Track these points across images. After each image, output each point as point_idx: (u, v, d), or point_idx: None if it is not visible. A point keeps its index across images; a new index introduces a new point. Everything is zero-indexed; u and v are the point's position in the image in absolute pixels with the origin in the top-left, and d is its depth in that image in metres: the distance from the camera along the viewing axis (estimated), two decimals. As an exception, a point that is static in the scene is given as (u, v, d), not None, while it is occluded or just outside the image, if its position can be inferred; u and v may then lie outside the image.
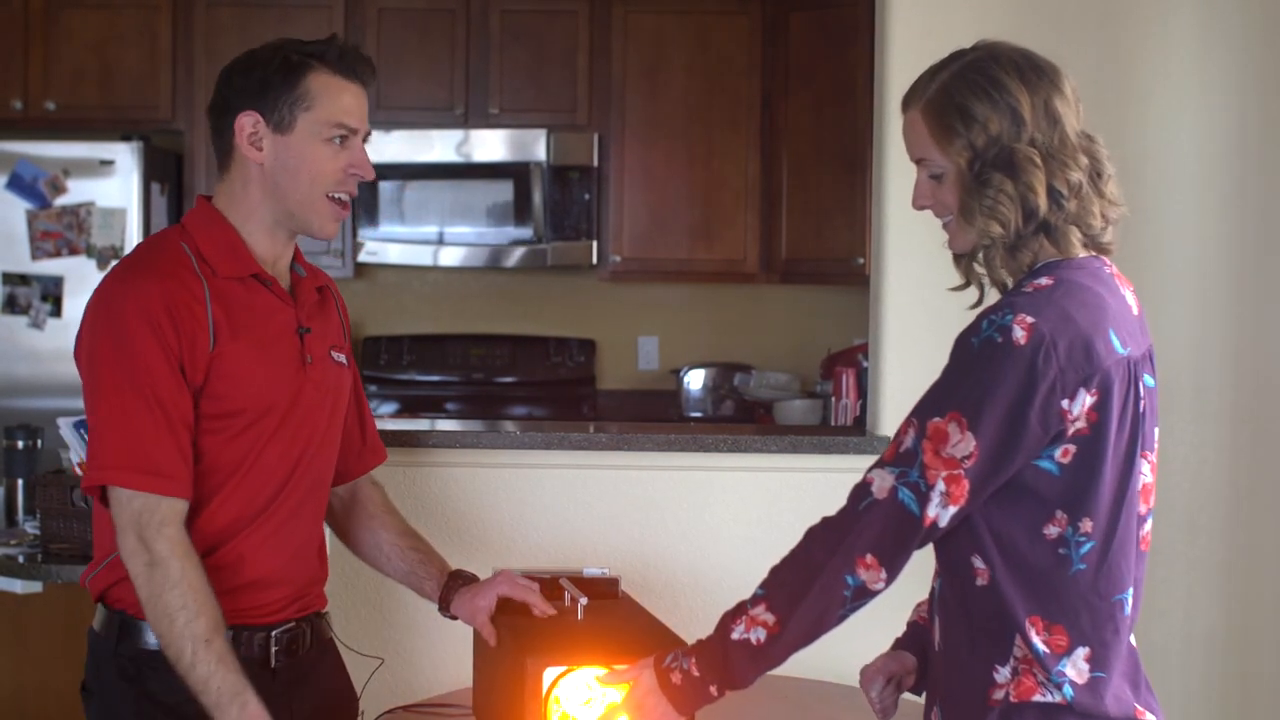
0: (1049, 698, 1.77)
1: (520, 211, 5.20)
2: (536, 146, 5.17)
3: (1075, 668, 1.78)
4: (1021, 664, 1.78)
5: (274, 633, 2.11)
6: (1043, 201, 1.80)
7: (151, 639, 2.02)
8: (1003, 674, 1.78)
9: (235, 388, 2.03)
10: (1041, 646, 1.77)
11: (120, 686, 2.03)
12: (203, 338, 2.00)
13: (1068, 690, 1.77)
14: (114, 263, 5.01)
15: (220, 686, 1.93)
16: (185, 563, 1.96)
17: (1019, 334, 1.73)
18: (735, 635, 1.82)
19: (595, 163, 5.19)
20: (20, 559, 2.94)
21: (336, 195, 2.11)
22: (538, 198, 5.16)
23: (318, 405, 2.15)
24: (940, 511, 1.75)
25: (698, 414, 5.44)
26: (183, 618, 1.94)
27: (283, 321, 2.12)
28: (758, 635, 1.80)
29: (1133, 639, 1.86)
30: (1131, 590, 1.82)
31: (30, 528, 3.14)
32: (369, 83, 2.12)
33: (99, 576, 2.07)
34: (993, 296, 1.90)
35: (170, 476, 1.97)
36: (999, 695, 1.78)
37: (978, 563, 1.80)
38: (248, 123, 2.07)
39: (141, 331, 1.97)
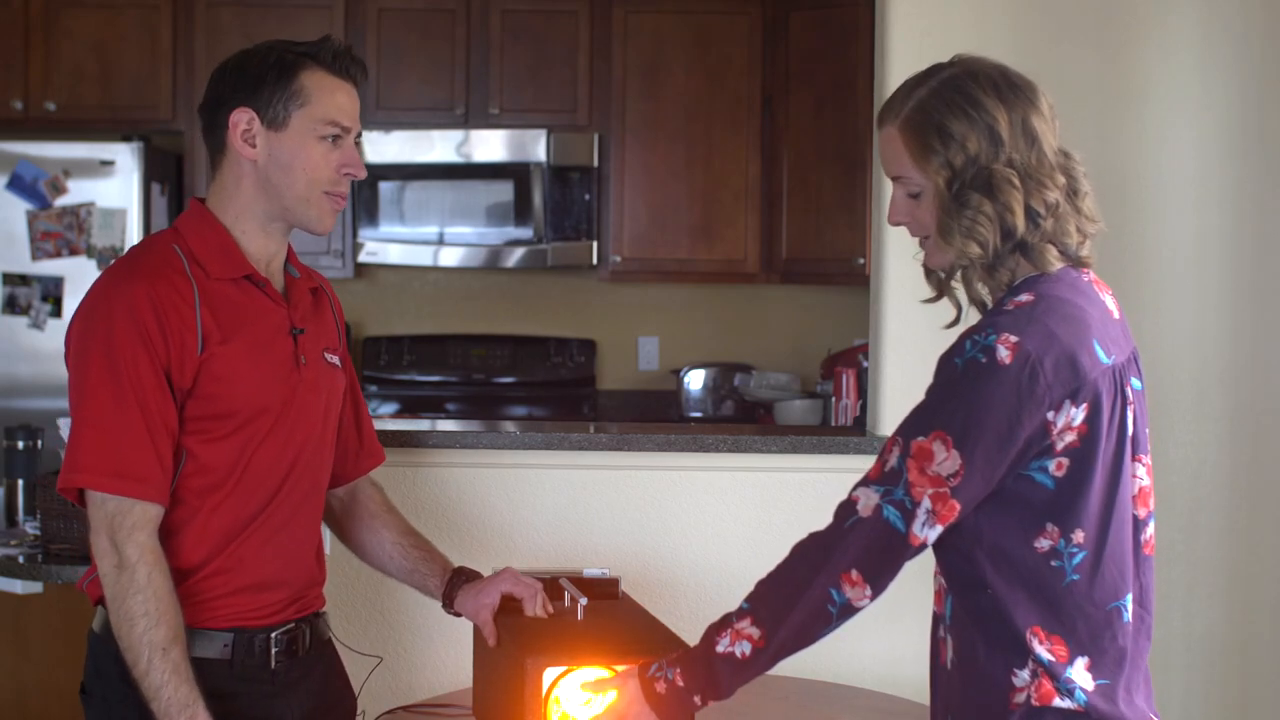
0: (1066, 704, 1.78)
1: (520, 212, 5.21)
2: (536, 147, 5.17)
3: (1080, 676, 1.78)
4: (1039, 667, 1.78)
5: (274, 634, 2.11)
6: (1020, 222, 1.80)
7: None
8: (1022, 677, 1.79)
9: (226, 390, 2.03)
10: (1046, 655, 1.78)
11: (122, 689, 2.02)
12: (191, 341, 2.00)
13: (1080, 696, 1.78)
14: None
15: (171, 697, 1.94)
16: (153, 570, 1.97)
17: (1003, 353, 1.73)
18: (720, 648, 1.83)
19: (595, 163, 5.19)
20: (20, 559, 2.93)
21: (331, 192, 2.10)
22: (538, 198, 5.16)
23: (312, 407, 2.15)
24: (928, 531, 1.77)
25: (698, 414, 5.44)
26: (143, 624, 1.95)
27: (275, 323, 2.11)
28: (743, 649, 1.82)
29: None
30: (1131, 596, 1.82)
31: (30, 528, 3.14)
32: (361, 83, 2.13)
33: (98, 580, 2.07)
34: (972, 314, 1.90)
35: (144, 480, 1.97)
36: (1020, 698, 1.78)
37: (982, 576, 1.80)
38: (242, 119, 2.06)
39: (129, 335, 1.97)
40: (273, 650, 2.10)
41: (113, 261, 2.06)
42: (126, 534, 1.96)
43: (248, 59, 2.09)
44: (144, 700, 1.96)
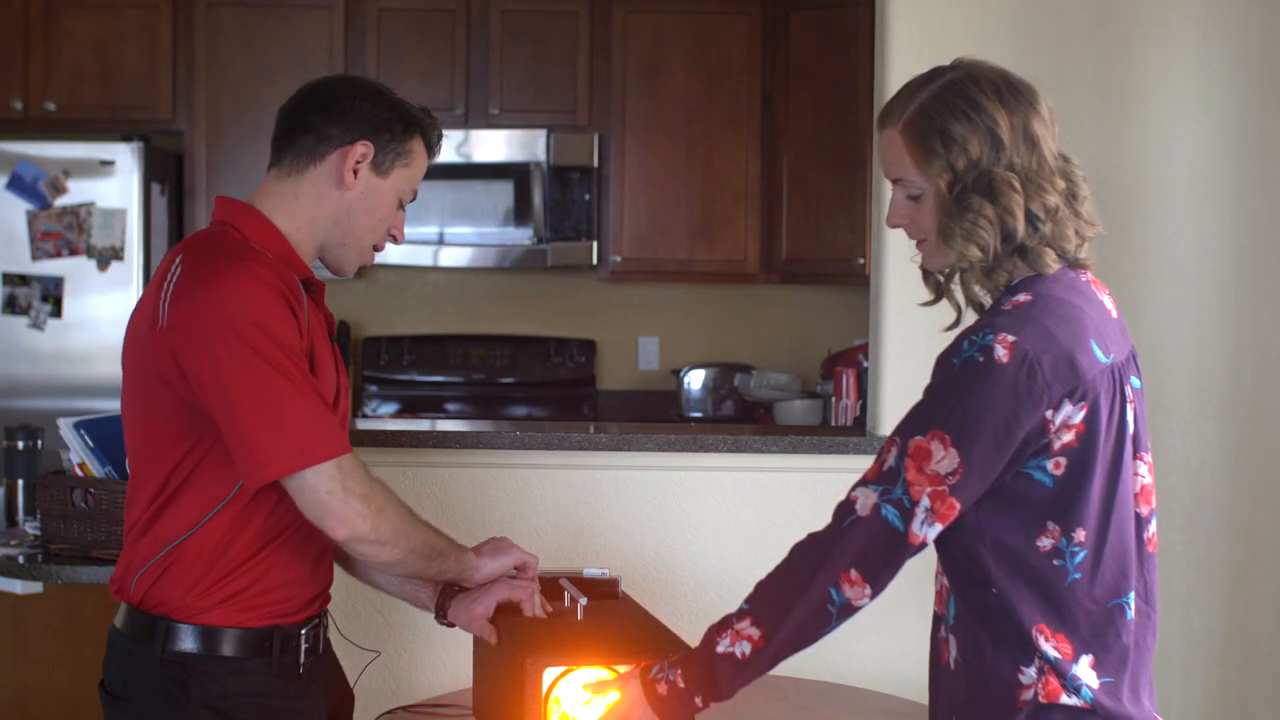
0: (1073, 701, 1.78)
1: (520, 212, 5.21)
2: (537, 147, 5.17)
3: (1085, 673, 1.79)
4: (1045, 664, 1.79)
5: (303, 630, 2.12)
6: (1021, 225, 1.81)
7: (194, 641, 2.03)
8: (1028, 674, 1.79)
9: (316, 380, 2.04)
10: (1052, 653, 1.79)
11: (169, 691, 2.03)
12: (301, 321, 2.01)
13: (1086, 694, 1.78)
14: (116, 263, 4.98)
15: (456, 561, 2.14)
16: (383, 484, 2.04)
17: (1001, 353, 1.74)
18: (720, 649, 1.84)
19: (595, 163, 5.19)
20: (20, 559, 2.94)
21: (378, 246, 2.18)
22: (538, 198, 5.16)
23: (345, 407, 2.17)
24: (927, 530, 1.77)
25: (698, 414, 5.44)
26: (409, 524, 2.05)
27: (325, 326, 2.13)
28: (743, 649, 1.83)
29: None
30: (1134, 593, 1.82)
31: (30, 528, 3.14)
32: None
33: (144, 578, 2.05)
34: (969, 315, 1.91)
35: (343, 436, 2.01)
36: (1027, 696, 1.79)
37: (987, 573, 1.81)
38: (361, 149, 2.09)
39: (275, 304, 1.96)
40: (303, 647, 2.12)
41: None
42: (357, 479, 1.99)
43: (377, 98, 2.14)
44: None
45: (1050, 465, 1.77)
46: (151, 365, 2.01)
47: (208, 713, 2.03)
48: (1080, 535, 1.78)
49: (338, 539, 1.99)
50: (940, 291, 1.96)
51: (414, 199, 2.19)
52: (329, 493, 1.96)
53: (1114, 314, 1.89)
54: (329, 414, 1.99)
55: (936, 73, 1.87)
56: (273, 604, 2.07)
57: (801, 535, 1.85)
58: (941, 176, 1.83)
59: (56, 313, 4.86)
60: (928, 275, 1.96)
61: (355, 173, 2.10)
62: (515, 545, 2.25)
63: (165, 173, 5.11)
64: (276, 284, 1.98)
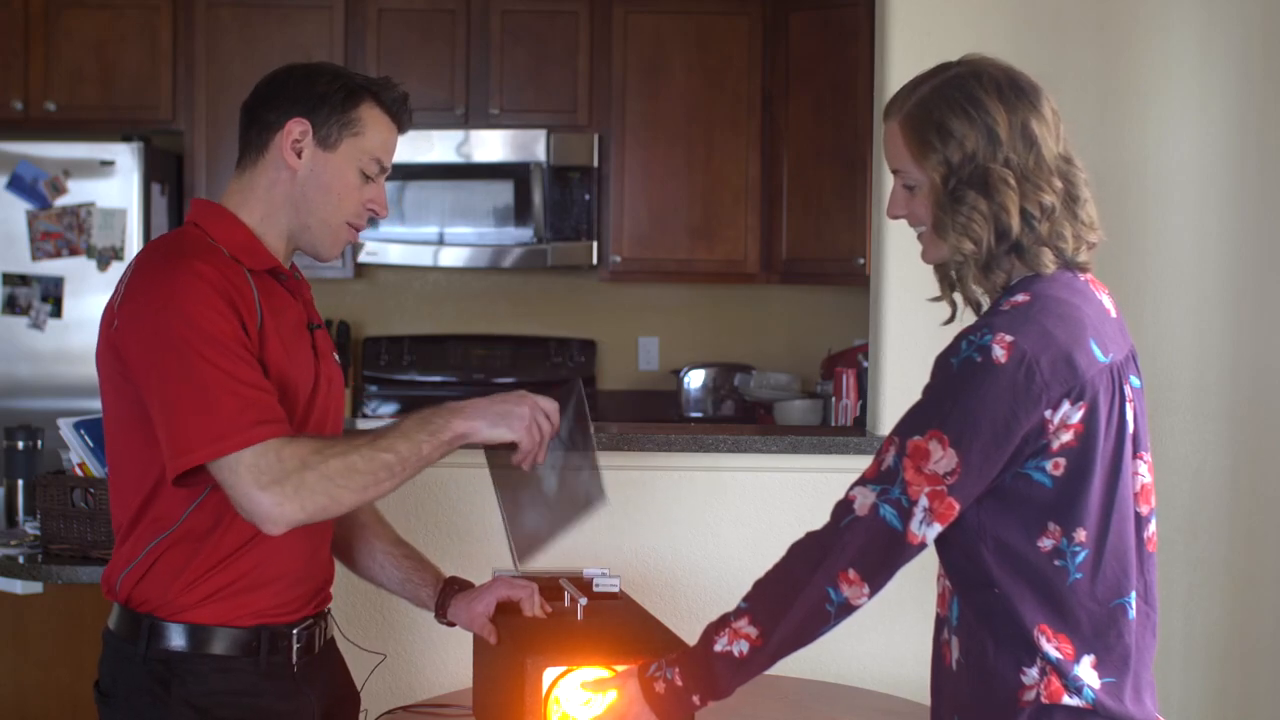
0: (1074, 701, 1.78)
1: (520, 212, 5.20)
2: (537, 147, 5.17)
3: (1087, 674, 1.79)
4: (1047, 665, 1.79)
5: (295, 630, 2.11)
6: (1016, 222, 1.82)
7: (178, 640, 2.03)
8: (1030, 675, 1.79)
9: (274, 372, 2.03)
10: (1054, 653, 1.79)
11: (152, 690, 2.03)
12: (252, 316, 2.00)
13: (1088, 694, 1.78)
14: (116, 263, 4.97)
15: (432, 441, 2.00)
16: (309, 442, 1.94)
17: (999, 353, 1.74)
18: (718, 647, 1.84)
19: (595, 163, 5.19)
20: (20, 559, 2.94)
21: (352, 224, 2.15)
22: (538, 198, 5.16)
23: (331, 400, 2.16)
24: (926, 529, 1.77)
25: (698, 414, 5.44)
26: (353, 455, 1.94)
27: (296, 317, 2.12)
28: (740, 648, 1.83)
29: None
30: (1135, 593, 1.83)
31: (30, 528, 3.14)
32: (405, 131, 2.19)
33: (128, 578, 2.06)
34: (969, 313, 1.91)
35: (279, 420, 1.94)
36: (1029, 696, 1.79)
37: (988, 574, 1.81)
38: (296, 129, 2.08)
39: (207, 299, 1.94)
40: (295, 646, 2.11)
41: (116, 261, 2.05)
42: (267, 466, 1.90)
43: (315, 74, 2.12)
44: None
45: (1050, 466, 1.77)
46: (112, 366, 2.04)
47: (189, 710, 2.03)
48: (1081, 535, 1.78)
49: (272, 534, 1.94)
50: (954, 288, 1.95)
51: (382, 169, 2.14)
52: (233, 487, 1.91)
53: (1113, 313, 1.89)
54: (257, 404, 1.93)
55: (941, 69, 1.89)
56: (259, 601, 2.06)
57: (800, 535, 1.86)
58: (937, 170, 1.84)
59: (56, 313, 4.86)
60: (943, 274, 1.95)
61: (298, 153, 2.09)
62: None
63: (165, 173, 5.11)
64: (215, 279, 1.97)
